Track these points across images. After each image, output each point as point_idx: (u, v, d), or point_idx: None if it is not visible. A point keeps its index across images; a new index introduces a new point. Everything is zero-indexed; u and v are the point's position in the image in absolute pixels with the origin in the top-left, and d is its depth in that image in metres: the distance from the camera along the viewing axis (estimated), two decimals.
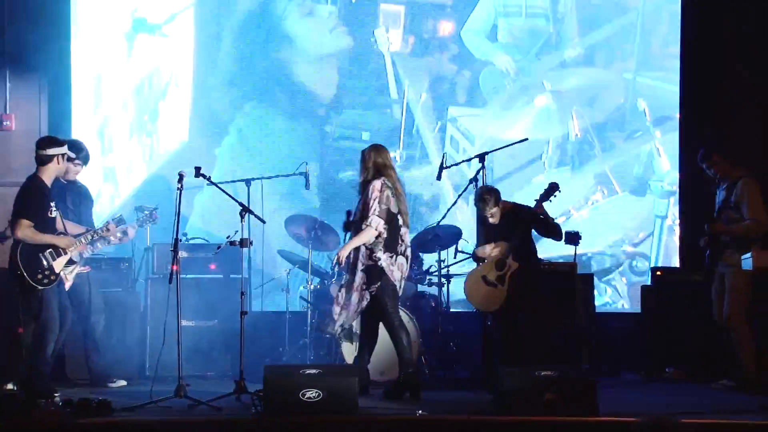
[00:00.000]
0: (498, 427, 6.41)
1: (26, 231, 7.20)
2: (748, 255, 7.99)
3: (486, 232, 8.14)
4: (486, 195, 8.02)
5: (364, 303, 7.52)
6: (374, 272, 7.49)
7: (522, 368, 6.93)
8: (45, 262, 7.24)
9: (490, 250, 8.00)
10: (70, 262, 7.45)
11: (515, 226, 7.97)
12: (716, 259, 7.97)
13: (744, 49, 9.99)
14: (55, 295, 7.35)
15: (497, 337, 8.12)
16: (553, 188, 8.04)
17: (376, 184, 7.54)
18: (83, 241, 7.59)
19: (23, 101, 9.57)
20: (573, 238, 9.16)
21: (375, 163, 7.62)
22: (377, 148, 7.74)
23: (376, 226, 7.45)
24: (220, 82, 10.06)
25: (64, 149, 7.43)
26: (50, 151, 7.31)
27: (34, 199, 7.28)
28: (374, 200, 7.49)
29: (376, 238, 7.50)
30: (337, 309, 7.61)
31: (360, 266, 7.52)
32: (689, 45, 10.19)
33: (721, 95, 10.03)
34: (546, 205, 7.97)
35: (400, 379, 7.52)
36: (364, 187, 7.61)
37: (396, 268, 7.53)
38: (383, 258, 7.49)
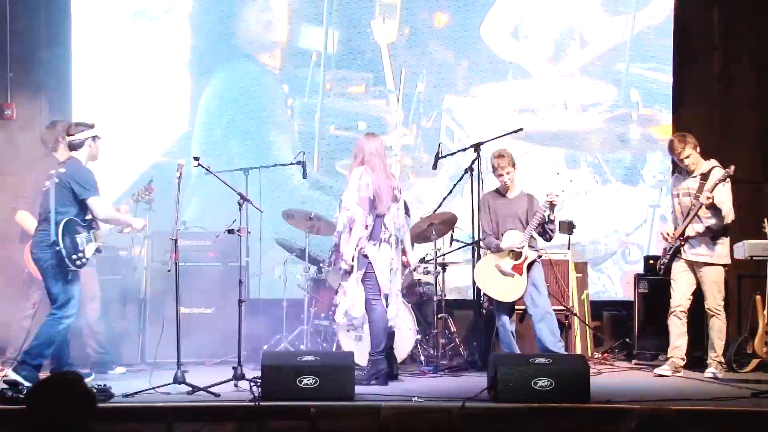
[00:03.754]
0: (493, 414, 6.47)
1: (108, 208, 7.21)
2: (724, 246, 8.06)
3: (496, 211, 8.12)
4: (502, 151, 8.05)
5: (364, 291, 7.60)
6: (360, 260, 7.58)
7: (516, 355, 7.00)
8: (80, 246, 7.13)
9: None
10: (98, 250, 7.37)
11: (533, 213, 8.01)
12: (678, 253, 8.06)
13: (735, 39, 10.07)
14: (80, 281, 7.28)
15: (510, 328, 8.06)
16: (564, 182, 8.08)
17: (356, 172, 7.62)
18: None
19: (24, 90, 9.60)
20: (567, 227, 9.27)
21: (362, 150, 7.69)
22: (368, 136, 7.82)
23: (353, 212, 7.51)
24: (219, 72, 10.11)
25: (94, 131, 7.34)
26: (80, 136, 7.31)
27: (94, 179, 7.23)
28: (352, 189, 7.56)
29: (365, 228, 7.57)
30: (343, 299, 7.67)
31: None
32: (682, 35, 10.25)
33: (712, 85, 10.12)
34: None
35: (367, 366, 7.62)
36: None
37: (380, 256, 7.61)
38: (367, 246, 7.59)
